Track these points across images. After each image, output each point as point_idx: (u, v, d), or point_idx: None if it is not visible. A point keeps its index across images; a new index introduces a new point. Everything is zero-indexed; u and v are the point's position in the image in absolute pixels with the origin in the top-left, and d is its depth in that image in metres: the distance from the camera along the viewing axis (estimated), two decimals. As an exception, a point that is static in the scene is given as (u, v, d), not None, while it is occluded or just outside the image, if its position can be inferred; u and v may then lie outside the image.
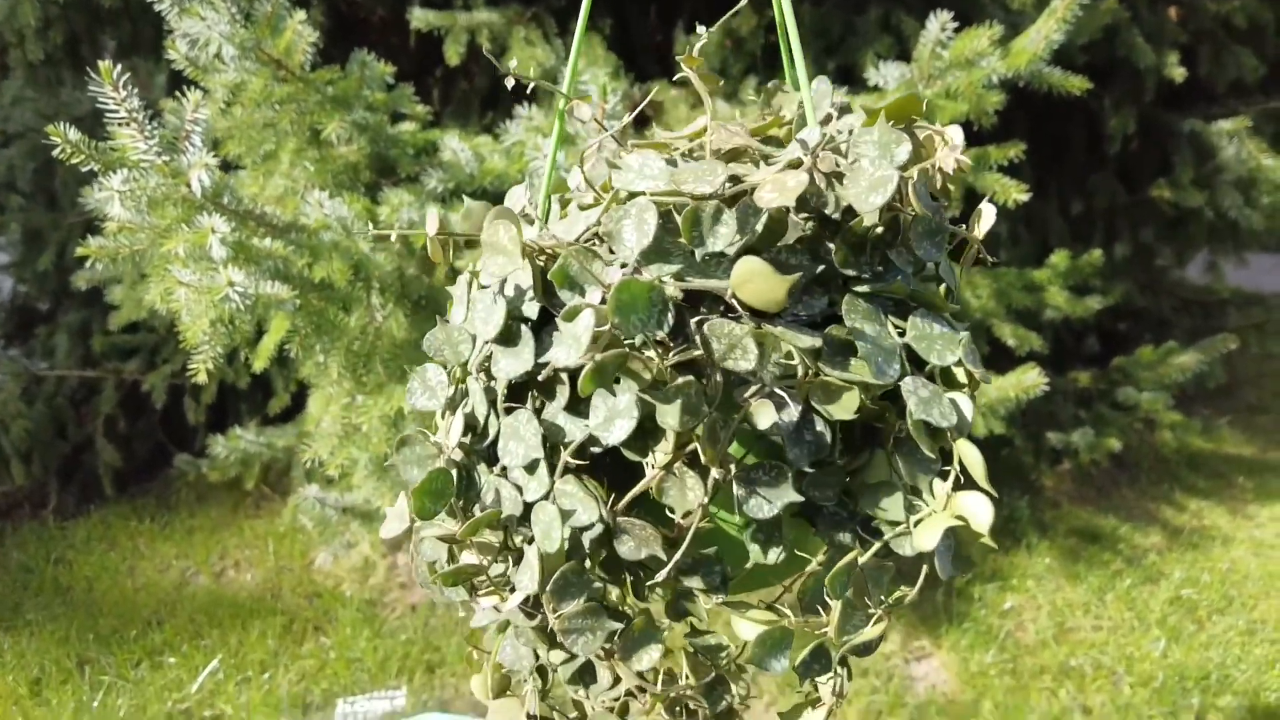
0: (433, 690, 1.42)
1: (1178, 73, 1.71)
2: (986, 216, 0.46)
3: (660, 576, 0.41)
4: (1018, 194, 1.28)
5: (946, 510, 0.42)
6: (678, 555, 0.41)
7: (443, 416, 0.46)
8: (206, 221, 0.87)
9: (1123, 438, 1.89)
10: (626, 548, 0.41)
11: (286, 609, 1.63)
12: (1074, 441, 1.87)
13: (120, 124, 0.89)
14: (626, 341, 0.39)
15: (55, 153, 0.93)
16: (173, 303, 0.94)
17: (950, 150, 0.45)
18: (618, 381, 0.40)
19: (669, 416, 0.39)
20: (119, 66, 0.86)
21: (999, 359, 1.67)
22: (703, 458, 0.39)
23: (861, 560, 0.42)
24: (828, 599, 0.43)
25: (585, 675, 0.47)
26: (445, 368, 0.46)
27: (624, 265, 0.41)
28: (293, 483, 1.83)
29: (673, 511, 0.41)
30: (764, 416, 0.39)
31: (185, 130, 0.90)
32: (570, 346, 0.39)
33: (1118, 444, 1.83)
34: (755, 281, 0.39)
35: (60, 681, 1.47)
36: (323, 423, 1.10)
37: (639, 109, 0.53)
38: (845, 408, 0.40)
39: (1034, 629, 1.58)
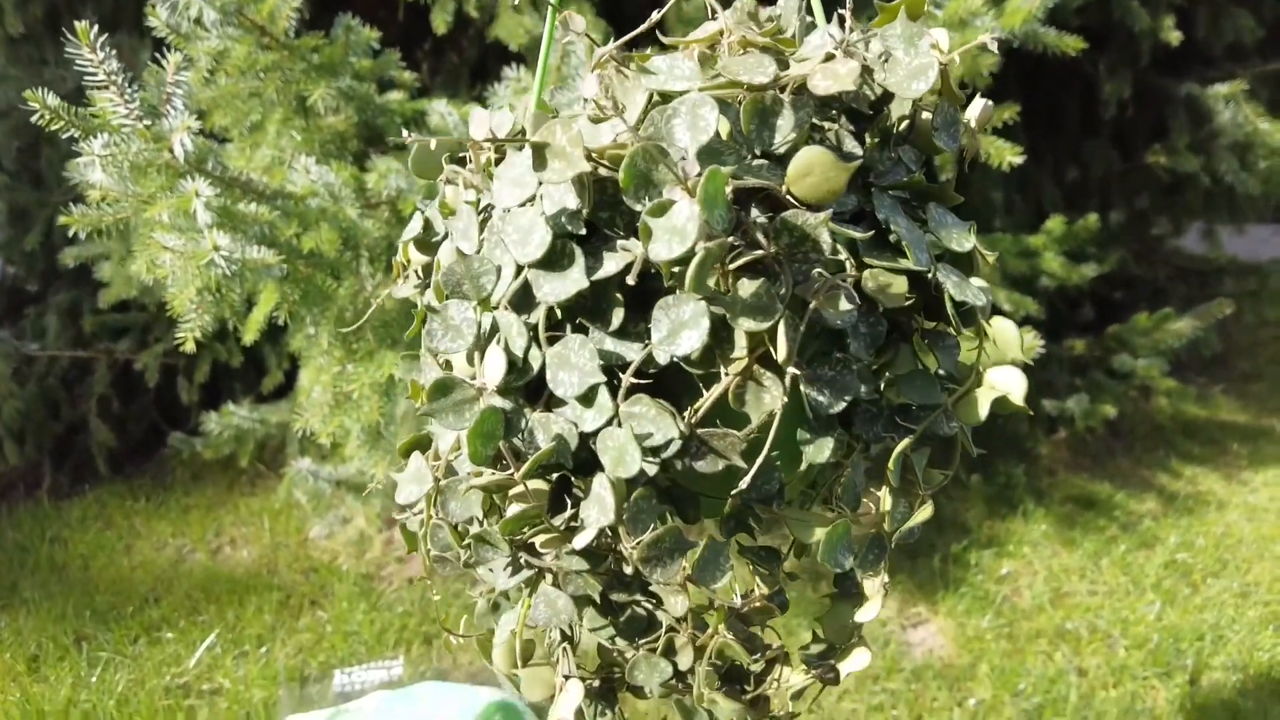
0: (430, 661, 1.42)
1: (1174, 36, 1.70)
2: (983, 108, 0.47)
3: (744, 483, 0.40)
4: (1012, 156, 1.27)
5: (984, 386, 0.44)
6: (761, 459, 0.39)
7: (470, 359, 0.43)
8: (190, 186, 0.86)
9: (1118, 405, 1.89)
10: (705, 461, 0.40)
11: (283, 584, 1.63)
12: (1069, 409, 1.87)
13: (99, 88, 0.87)
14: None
15: (34, 118, 0.91)
16: (158, 270, 0.92)
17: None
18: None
19: (746, 320, 0.38)
20: (96, 28, 0.84)
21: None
22: (780, 356, 0.38)
23: (901, 448, 0.42)
24: (875, 491, 0.44)
25: (634, 622, 0.46)
26: (469, 303, 0.43)
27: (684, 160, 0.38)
28: (288, 460, 1.82)
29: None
30: (837, 308, 0.38)
31: (166, 94, 0.88)
32: (671, 240, 0.36)
33: (1113, 410, 1.83)
34: (816, 172, 0.38)
35: (58, 658, 1.47)
36: (314, 392, 1.10)
37: (651, 21, 0.48)
38: (895, 296, 0.40)
39: (1030, 594, 1.58)
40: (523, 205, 0.42)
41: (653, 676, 0.45)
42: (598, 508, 0.39)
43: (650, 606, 0.46)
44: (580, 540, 0.40)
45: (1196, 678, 1.38)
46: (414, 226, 0.50)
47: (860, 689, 1.36)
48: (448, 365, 0.47)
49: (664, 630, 0.45)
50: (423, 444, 0.55)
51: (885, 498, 0.45)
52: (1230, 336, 2.51)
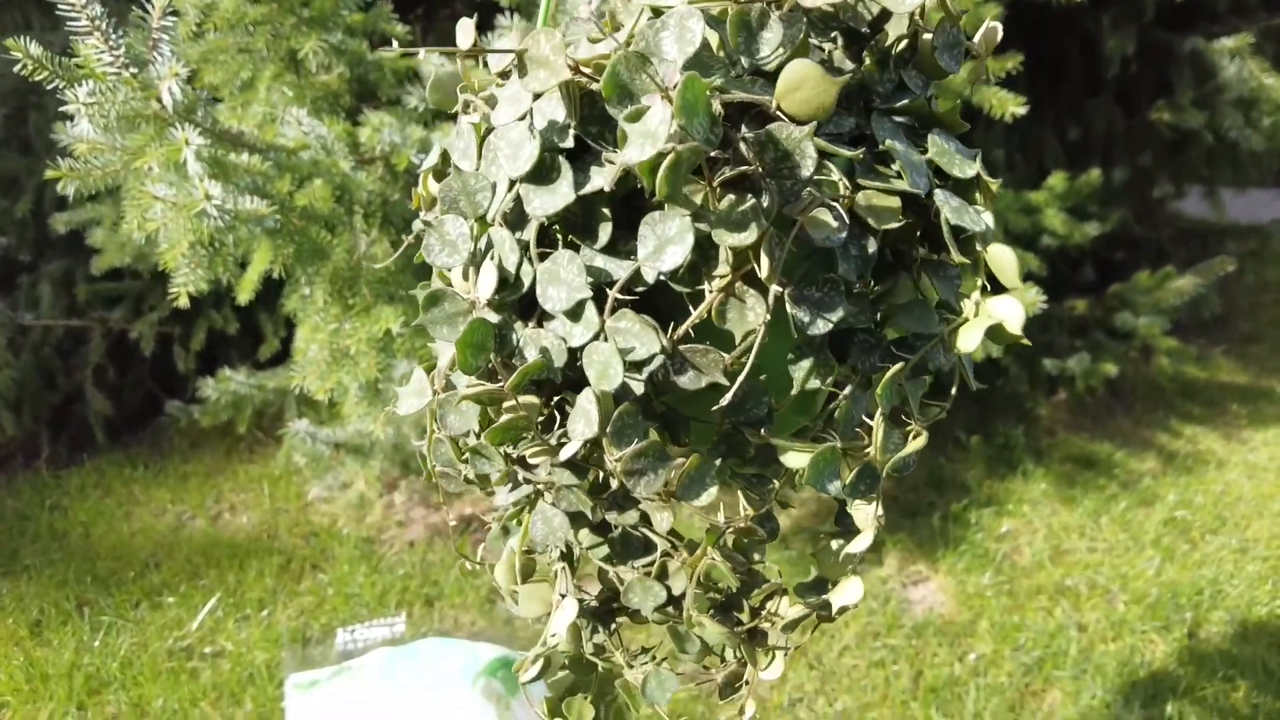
0: (431, 622, 1.43)
1: (1179, -13, 1.67)
2: (988, 29, 0.46)
3: (725, 400, 0.40)
4: (1015, 107, 1.25)
5: (980, 315, 0.43)
6: (743, 375, 0.39)
7: (465, 274, 0.43)
8: (180, 134, 0.84)
9: (1119, 365, 1.88)
10: (687, 377, 0.40)
11: (283, 548, 1.63)
12: (1070, 368, 1.86)
13: (83, 34, 0.85)
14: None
15: (17, 69, 0.89)
16: (150, 224, 0.91)
17: None
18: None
19: (728, 236, 0.37)
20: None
21: (995, 285, 1.65)
22: (763, 273, 0.38)
23: (893, 373, 0.42)
24: (868, 419, 0.44)
25: (629, 543, 0.46)
26: (465, 220, 0.43)
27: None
28: (286, 425, 1.82)
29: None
30: (822, 225, 0.38)
31: (152, 40, 0.86)
32: (644, 143, 0.36)
33: (1114, 369, 1.83)
34: (805, 87, 0.38)
35: (60, 623, 1.47)
36: (310, 351, 1.08)
37: None
38: (888, 216, 0.40)
39: (1030, 552, 1.59)
40: (517, 121, 0.41)
41: (647, 600, 0.45)
42: (583, 421, 0.40)
43: (646, 531, 0.45)
44: (565, 452, 0.40)
45: (1195, 631, 1.39)
46: (432, 157, 0.50)
47: (861, 645, 1.36)
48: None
49: (659, 554, 0.45)
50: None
51: (878, 425, 0.44)
52: (1231, 298, 2.50)
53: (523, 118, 0.41)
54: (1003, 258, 0.46)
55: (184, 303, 0.94)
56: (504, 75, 0.50)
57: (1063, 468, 1.83)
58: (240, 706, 1.29)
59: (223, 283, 1.02)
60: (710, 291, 0.39)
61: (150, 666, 1.36)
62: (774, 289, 0.38)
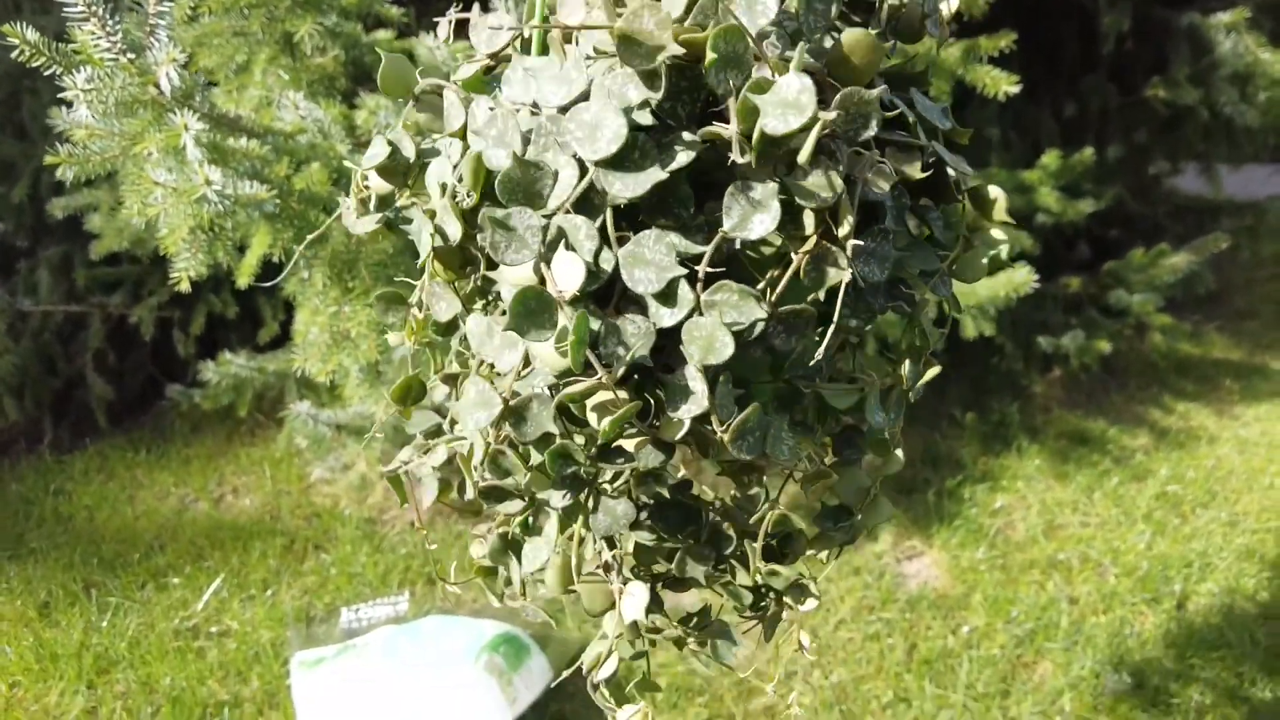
0: (434, 601, 1.45)
1: (1174, -37, 1.67)
2: None
3: (819, 355, 0.41)
4: (1008, 86, 1.26)
5: (977, 247, 0.48)
6: (831, 329, 0.41)
7: (536, 269, 0.41)
8: (179, 120, 0.85)
9: (1113, 342, 1.90)
10: (781, 339, 0.42)
11: (286, 530, 1.65)
12: (1064, 345, 1.87)
13: (79, 19, 0.85)
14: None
15: (14, 55, 0.90)
16: (150, 210, 0.92)
17: None
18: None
19: (810, 199, 0.39)
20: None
21: (990, 264, 1.66)
22: (842, 231, 0.40)
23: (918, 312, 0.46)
24: (890, 356, 0.49)
25: (668, 516, 0.48)
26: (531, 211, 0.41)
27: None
28: (287, 408, 1.83)
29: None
30: (878, 182, 0.41)
31: (149, 25, 0.86)
32: (786, 113, 0.37)
33: (1108, 347, 1.84)
34: (857, 54, 0.41)
35: (68, 604, 1.49)
36: (310, 333, 1.09)
37: None
38: (913, 171, 0.43)
39: (1023, 527, 1.61)
40: (577, 101, 0.41)
41: (698, 567, 0.47)
42: (689, 400, 0.40)
43: (689, 498, 0.47)
44: (676, 433, 0.41)
45: (1184, 603, 1.41)
46: (377, 153, 0.49)
47: (856, 619, 1.39)
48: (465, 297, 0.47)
49: (707, 520, 0.47)
50: (414, 387, 0.55)
51: (902, 360, 0.49)
52: (1225, 274, 2.51)
53: (584, 97, 0.41)
54: (996, 193, 0.50)
55: (185, 287, 0.95)
56: (497, 56, 0.50)
57: (1057, 444, 1.85)
58: (247, 684, 1.31)
59: (222, 267, 1.03)
60: (795, 255, 0.41)
61: (158, 646, 1.39)
62: (853, 243, 0.40)
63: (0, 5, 2.18)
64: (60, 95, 0.90)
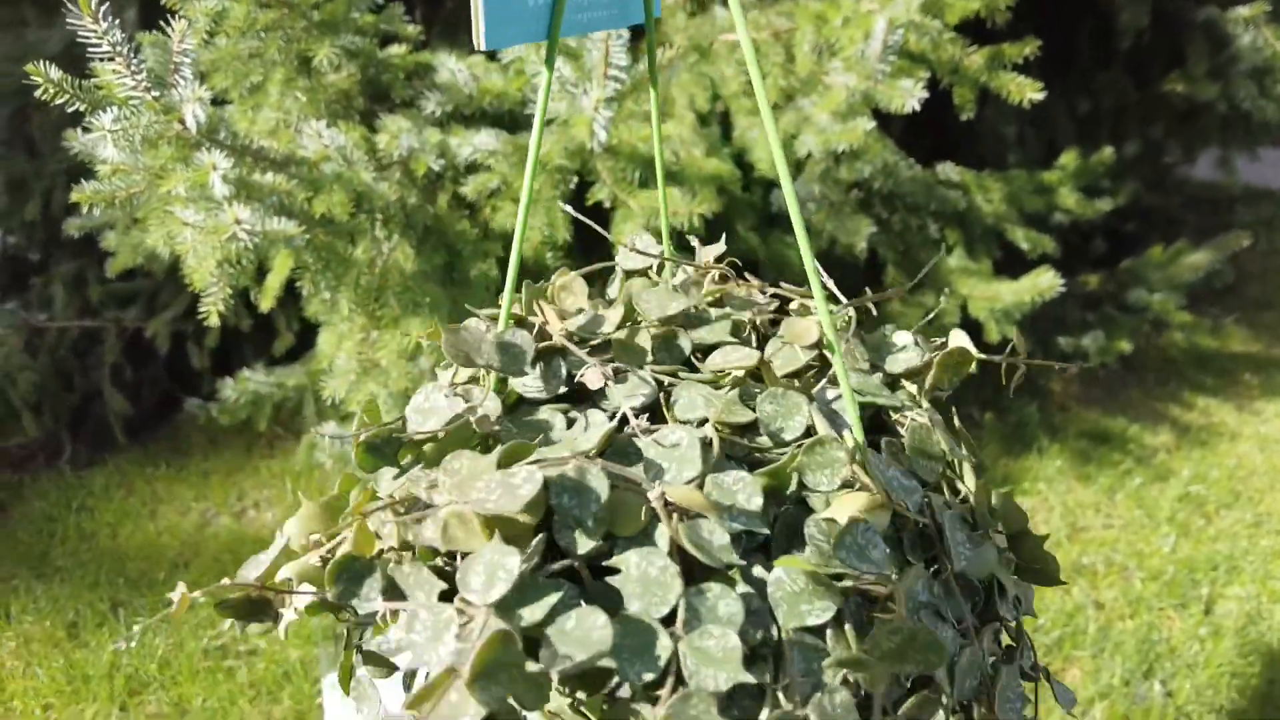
0: (461, 616, 1.45)
1: (1193, -42, 1.65)
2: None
3: None
4: (1032, 93, 1.24)
5: None
6: None
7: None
8: (206, 159, 0.84)
9: (1131, 338, 1.89)
10: None
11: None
12: (1084, 345, 1.87)
13: (103, 59, 0.85)
14: None
15: (38, 93, 0.89)
16: (177, 245, 0.91)
17: None
18: None
19: None
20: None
21: (1010, 264, 1.65)
22: None
23: None
24: None
25: None
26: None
27: None
28: (305, 422, 1.83)
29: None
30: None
31: (173, 63, 0.86)
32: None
33: (1128, 346, 1.84)
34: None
35: (96, 624, 1.50)
36: (338, 360, 1.09)
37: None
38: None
39: (1047, 529, 1.60)
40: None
41: None
42: None
43: None
44: None
45: (1211, 607, 1.41)
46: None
47: (884, 629, 1.39)
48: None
49: None
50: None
51: None
52: (1243, 266, 2.50)
53: None
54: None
55: (214, 321, 0.95)
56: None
57: (1077, 444, 1.84)
58: (278, 704, 1.32)
59: (241, 298, 1.03)
60: None
61: (188, 666, 1.39)
62: None
63: (6, 17, 2.17)
64: (69, 114, 0.89)
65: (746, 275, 0.60)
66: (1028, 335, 2.01)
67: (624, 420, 0.46)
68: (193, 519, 1.79)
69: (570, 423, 0.47)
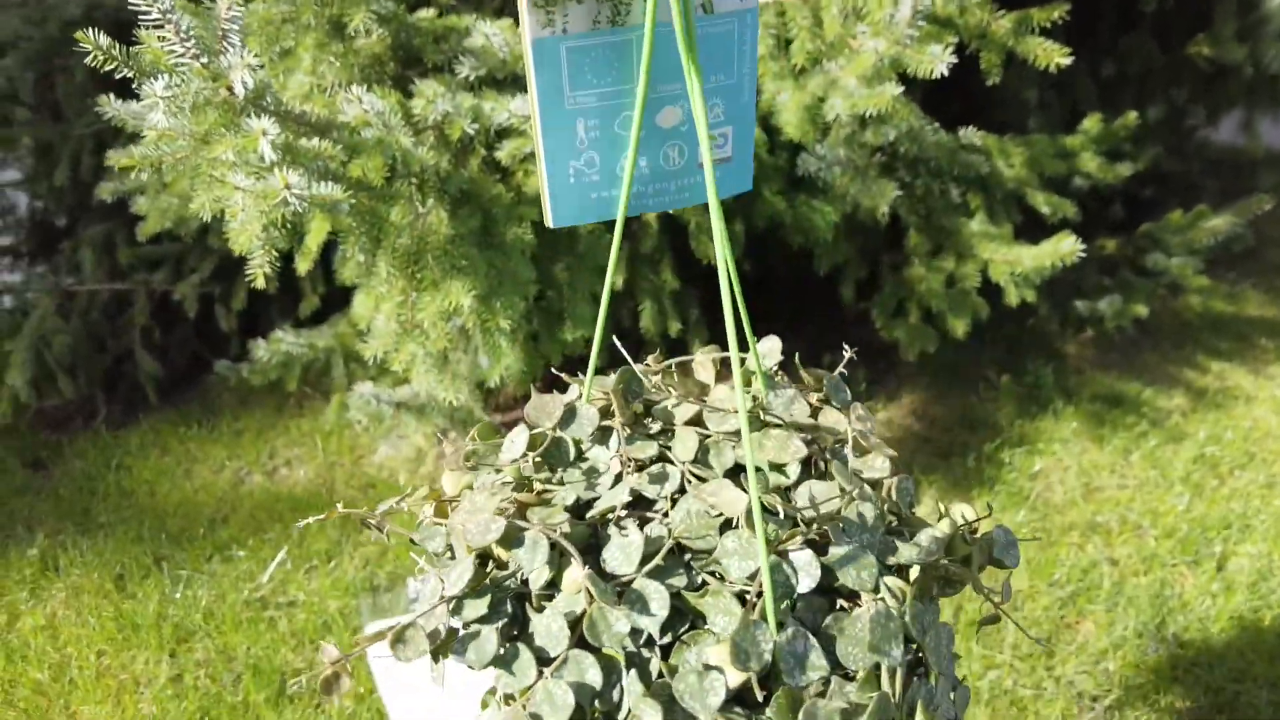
0: (492, 570, 1.50)
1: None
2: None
3: None
4: (1059, 58, 1.25)
5: None
6: None
7: None
8: (255, 124, 0.87)
9: (1148, 304, 1.90)
10: None
11: (342, 501, 1.71)
12: (1101, 309, 1.88)
13: (154, 26, 0.87)
14: None
15: (88, 60, 0.92)
16: (227, 209, 0.94)
17: None
18: None
19: None
20: (147, -36, 0.83)
21: (1030, 229, 1.67)
22: None
23: None
24: None
25: None
26: None
27: None
28: (333, 383, 1.87)
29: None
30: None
31: (221, 30, 0.88)
32: None
33: (1145, 310, 1.85)
34: None
35: (142, 577, 1.55)
36: (376, 322, 1.12)
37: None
38: None
39: (1062, 490, 1.64)
40: None
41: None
42: None
43: None
44: None
45: (1224, 565, 1.45)
46: None
47: (903, 583, 1.43)
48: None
49: None
50: None
51: None
52: (1261, 230, 2.49)
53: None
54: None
55: (261, 284, 0.98)
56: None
57: (1092, 406, 1.87)
58: (320, 652, 1.38)
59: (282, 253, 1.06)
60: None
61: (231, 617, 1.45)
62: None
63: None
64: (141, 98, 0.92)
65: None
66: (1045, 299, 2.03)
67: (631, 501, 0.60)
68: (227, 477, 1.84)
69: (612, 479, 0.62)
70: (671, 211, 1.30)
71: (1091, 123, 1.68)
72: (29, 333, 1.99)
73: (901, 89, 1.17)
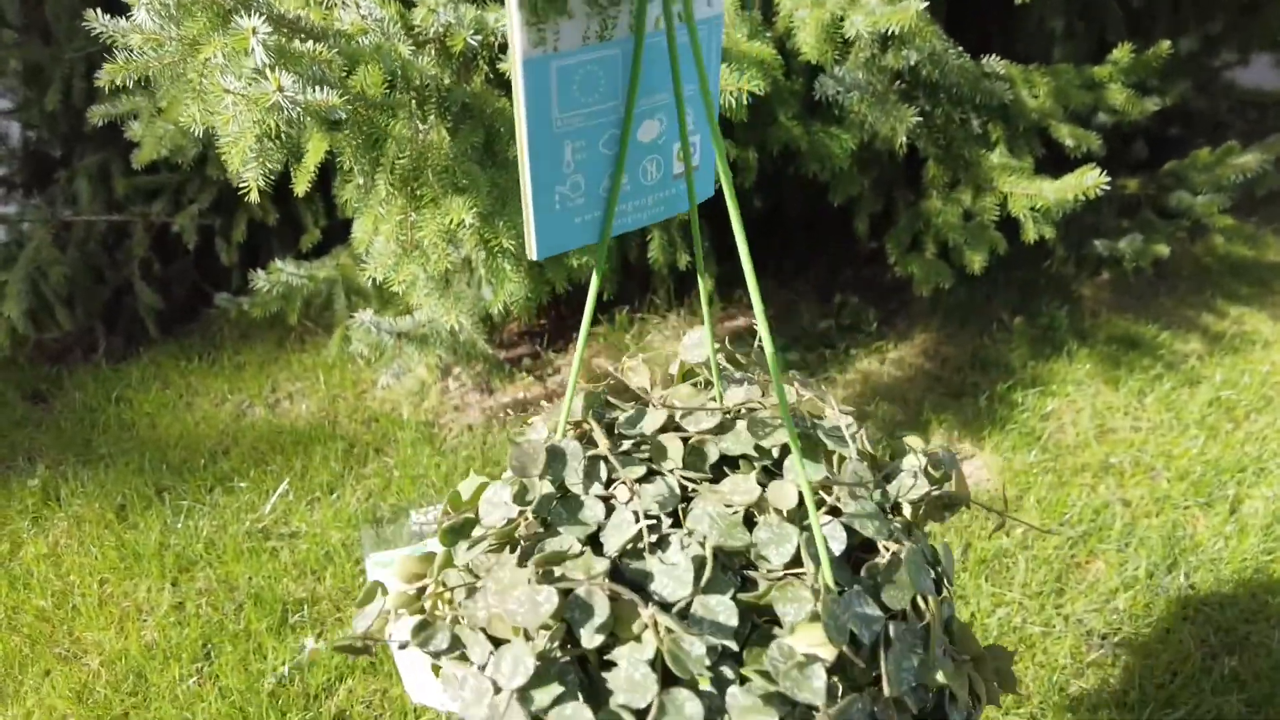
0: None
1: None
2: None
3: None
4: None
5: None
6: None
7: None
8: (245, 23, 0.82)
9: (1169, 244, 1.85)
10: None
11: (345, 434, 1.69)
12: (1121, 249, 1.84)
13: (138, -85, 0.82)
14: None
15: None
16: (216, 116, 0.90)
17: None
18: None
19: None
20: None
21: (1049, 165, 1.61)
22: None
23: None
24: None
25: None
26: None
27: None
28: (335, 317, 1.84)
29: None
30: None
31: (208, -80, 0.83)
32: None
33: (1166, 250, 1.80)
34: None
35: (143, 507, 1.55)
36: (376, 244, 1.09)
37: None
38: None
39: (1074, 431, 1.61)
40: None
41: None
42: None
43: None
44: None
45: (1237, 507, 1.43)
46: None
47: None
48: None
49: None
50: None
51: None
52: (1286, 172, 2.43)
53: None
54: None
55: (255, 197, 0.94)
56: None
57: (1107, 348, 1.83)
58: (321, 583, 1.37)
59: (269, 190, 1.02)
60: None
61: (232, 547, 1.44)
62: None
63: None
64: None
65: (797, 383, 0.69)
66: (1063, 240, 1.98)
67: (639, 534, 0.57)
68: (228, 410, 1.82)
69: (609, 510, 0.58)
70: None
71: (1122, 53, 1.61)
72: (24, 263, 1.96)
73: (925, 3, 1.11)
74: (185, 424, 1.78)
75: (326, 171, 1.60)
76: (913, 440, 0.68)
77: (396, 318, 1.37)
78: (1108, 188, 1.43)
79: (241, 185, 1.00)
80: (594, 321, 1.86)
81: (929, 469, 0.65)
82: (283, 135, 0.91)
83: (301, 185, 1.17)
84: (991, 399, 1.69)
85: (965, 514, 1.42)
